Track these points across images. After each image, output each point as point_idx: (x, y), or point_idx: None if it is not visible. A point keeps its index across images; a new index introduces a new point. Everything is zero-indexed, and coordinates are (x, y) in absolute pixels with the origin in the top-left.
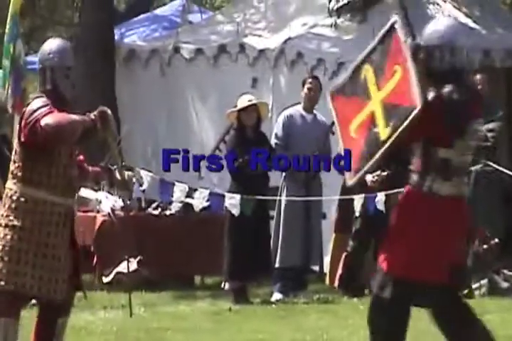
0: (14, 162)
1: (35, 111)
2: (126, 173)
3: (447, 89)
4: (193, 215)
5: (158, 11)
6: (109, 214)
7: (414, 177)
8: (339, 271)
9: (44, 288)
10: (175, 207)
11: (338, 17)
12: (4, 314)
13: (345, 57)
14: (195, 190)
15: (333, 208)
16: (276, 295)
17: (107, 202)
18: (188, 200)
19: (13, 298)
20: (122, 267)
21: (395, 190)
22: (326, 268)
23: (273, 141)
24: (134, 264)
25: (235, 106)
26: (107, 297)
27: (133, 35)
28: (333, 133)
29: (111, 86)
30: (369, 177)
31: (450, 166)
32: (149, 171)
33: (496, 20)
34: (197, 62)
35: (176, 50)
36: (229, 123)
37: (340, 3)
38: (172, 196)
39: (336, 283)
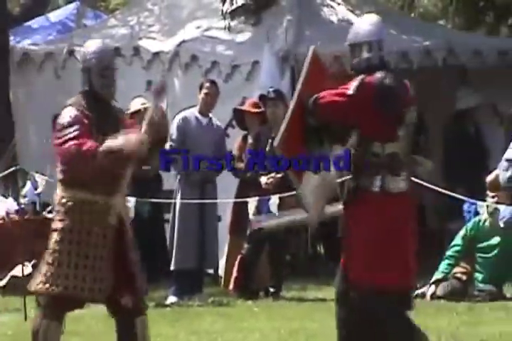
0: (57, 166)
1: (65, 127)
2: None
3: (378, 74)
4: None
5: (53, 15)
6: (3, 217)
7: (363, 179)
8: (234, 274)
9: (86, 288)
10: None
11: (232, 20)
12: (48, 316)
13: (239, 59)
14: None
15: (228, 211)
16: (171, 298)
17: (1, 205)
18: None
19: (61, 301)
20: (17, 271)
21: (289, 193)
22: (221, 271)
23: (168, 143)
24: (28, 268)
25: (128, 109)
26: (1, 301)
27: (27, 39)
28: (228, 136)
29: (5, 89)
30: (263, 180)
31: (398, 160)
32: (44, 175)
33: (389, 23)
34: None
35: (71, 53)
36: None
37: (234, 6)
38: None
39: (231, 286)
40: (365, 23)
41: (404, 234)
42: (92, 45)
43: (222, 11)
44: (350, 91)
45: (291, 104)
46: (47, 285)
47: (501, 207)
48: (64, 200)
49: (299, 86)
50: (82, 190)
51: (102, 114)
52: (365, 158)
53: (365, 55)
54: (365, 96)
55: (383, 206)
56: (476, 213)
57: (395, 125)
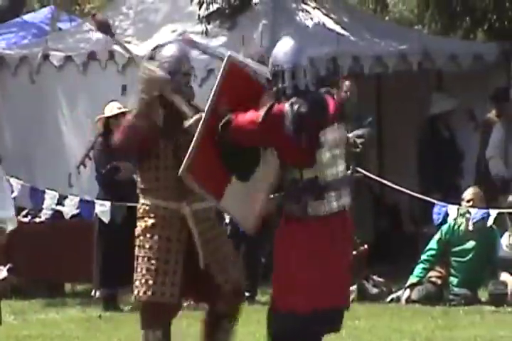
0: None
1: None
2: None
3: (287, 103)
4: (63, 222)
5: (27, 18)
6: None
7: (287, 202)
8: None
9: (153, 290)
10: (45, 215)
11: (208, 24)
12: (146, 326)
13: (214, 63)
14: (66, 197)
15: None
16: None
17: None
18: (59, 208)
19: (153, 309)
20: None
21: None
22: None
23: None
24: (3, 272)
25: (102, 113)
26: None
27: (1, 42)
28: None
29: None
30: None
31: (318, 184)
32: (19, 179)
33: (365, 27)
34: (66, 69)
35: (45, 57)
36: (97, 131)
37: (210, 10)
38: (42, 203)
39: None
40: (279, 51)
41: (330, 256)
42: (167, 49)
43: (199, 15)
44: (259, 119)
45: (200, 123)
46: (135, 292)
47: (473, 211)
48: (141, 207)
49: (209, 102)
50: (153, 196)
51: (170, 118)
52: (286, 184)
53: (280, 84)
54: (273, 123)
55: (306, 230)
56: (446, 215)
57: (311, 150)
